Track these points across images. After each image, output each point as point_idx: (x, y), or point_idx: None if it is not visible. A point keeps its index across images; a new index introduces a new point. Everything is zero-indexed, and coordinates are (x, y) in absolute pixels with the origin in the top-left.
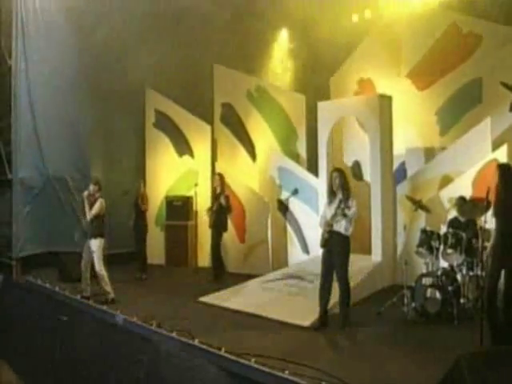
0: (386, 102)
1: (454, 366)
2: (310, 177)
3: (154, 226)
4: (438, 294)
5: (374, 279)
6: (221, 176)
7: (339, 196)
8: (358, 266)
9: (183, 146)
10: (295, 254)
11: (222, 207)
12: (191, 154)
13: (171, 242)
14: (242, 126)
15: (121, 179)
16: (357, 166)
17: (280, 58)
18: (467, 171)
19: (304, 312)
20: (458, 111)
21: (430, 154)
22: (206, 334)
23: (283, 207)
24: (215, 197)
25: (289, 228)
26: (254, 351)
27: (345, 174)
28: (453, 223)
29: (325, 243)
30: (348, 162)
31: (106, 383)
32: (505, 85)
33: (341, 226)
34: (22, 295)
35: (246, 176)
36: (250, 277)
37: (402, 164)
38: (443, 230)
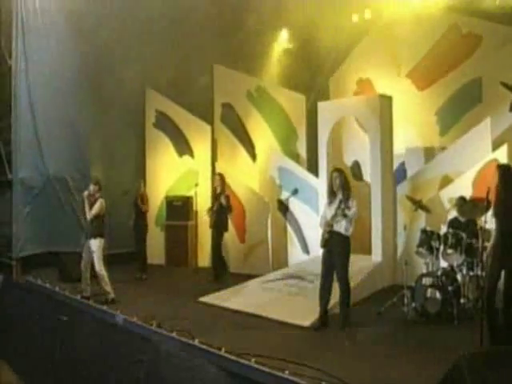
0: (386, 102)
1: (453, 366)
2: (310, 177)
3: (154, 226)
4: (438, 294)
5: (374, 279)
6: (221, 176)
7: (339, 196)
8: (358, 266)
9: (183, 146)
10: (295, 254)
11: (223, 207)
12: (191, 154)
13: (171, 242)
14: (242, 126)
15: (121, 179)
16: (356, 166)
17: (280, 58)
18: (467, 171)
19: (304, 312)
20: (458, 111)
21: (429, 153)
22: (206, 334)
23: (283, 207)
24: (215, 197)
25: (289, 228)
26: (254, 351)
27: (345, 174)
28: (453, 223)
29: (325, 243)
30: (347, 162)
31: (106, 383)
32: (505, 85)
33: (341, 227)
34: (22, 295)
35: (246, 176)
36: (250, 277)
37: (402, 164)
38: (443, 230)
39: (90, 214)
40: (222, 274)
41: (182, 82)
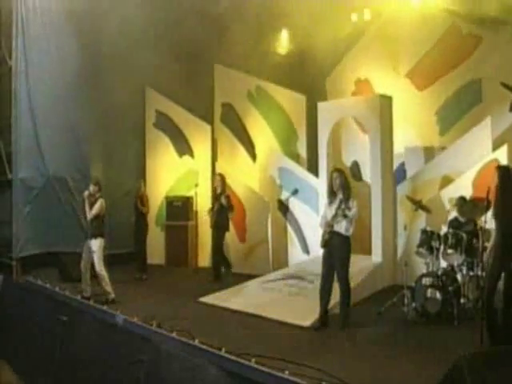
0: (386, 102)
1: (454, 366)
2: (310, 177)
3: (154, 226)
4: (438, 294)
5: (374, 279)
6: (221, 176)
7: (339, 196)
8: (359, 266)
9: (183, 146)
10: (295, 254)
11: (223, 207)
12: (191, 154)
13: (171, 242)
14: (242, 126)
15: (121, 179)
16: (356, 166)
17: (280, 58)
18: (467, 171)
19: (304, 312)
20: (458, 111)
21: (429, 152)
22: (206, 334)
23: (283, 207)
24: (216, 197)
25: (289, 228)
26: (254, 351)
27: (345, 175)
28: (453, 223)
29: (325, 244)
30: (346, 162)
31: (106, 383)
32: (505, 85)
33: (341, 227)
34: (22, 295)
35: (246, 176)
36: (250, 277)
37: (402, 164)
38: (443, 230)
39: (90, 214)
40: (227, 274)
41: (182, 82)
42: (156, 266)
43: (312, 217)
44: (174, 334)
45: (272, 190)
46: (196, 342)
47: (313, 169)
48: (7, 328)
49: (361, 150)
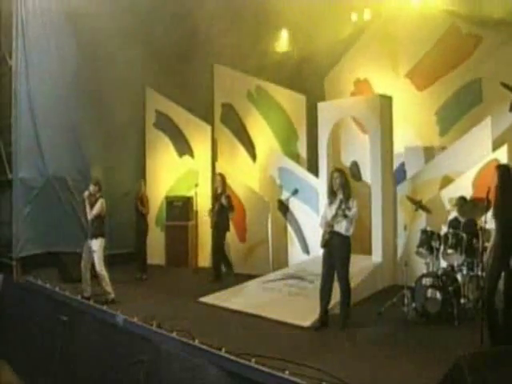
0: (386, 102)
1: (454, 366)
2: (310, 177)
3: (155, 226)
4: (438, 295)
5: (374, 279)
6: (222, 176)
7: (340, 196)
8: (359, 266)
9: (183, 146)
10: (295, 254)
11: (224, 207)
12: (191, 154)
13: (171, 242)
14: (242, 126)
15: (121, 179)
16: (355, 166)
17: (280, 58)
18: (467, 171)
19: (304, 312)
20: (458, 111)
21: (429, 152)
22: (206, 334)
23: (283, 207)
24: (216, 197)
25: (289, 228)
26: (254, 351)
27: (345, 174)
28: (453, 223)
29: (325, 244)
30: (346, 162)
31: (106, 383)
32: (505, 85)
33: (341, 227)
34: (22, 295)
35: (247, 176)
36: (250, 277)
37: (402, 164)
38: (443, 230)
39: (90, 214)
40: (228, 274)
41: (182, 82)
42: (156, 266)
43: (312, 217)
44: (174, 334)
45: (272, 190)
46: (196, 342)
47: (313, 169)
48: (7, 328)
49: (360, 151)
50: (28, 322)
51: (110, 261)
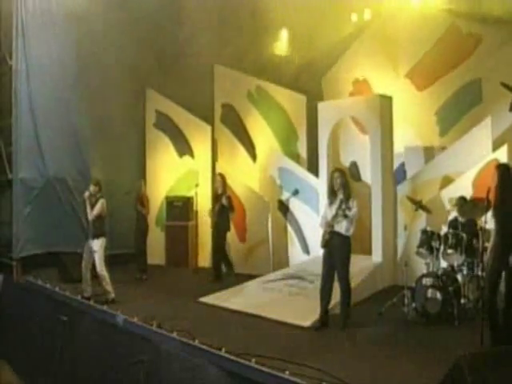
0: (386, 102)
1: (454, 366)
2: (310, 177)
3: (155, 227)
4: (438, 295)
5: (374, 279)
6: (222, 176)
7: (340, 196)
8: (359, 266)
9: (183, 147)
10: (296, 254)
11: (224, 207)
12: (191, 155)
13: (171, 242)
14: (242, 127)
15: (121, 180)
16: (354, 166)
17: (279, 58)
18: (468, 171)
19: (304, 312)
20: (458, 111)
21: (429, 152)
22: (206, 335)
23: (283, 207)
24: (216, 197)
25: (289, 228)
26: (254, 351)
27: (346, 175)
28: (453, 223)
29: (325, 244)
30: (345, 162)
31: (106, 383)
32: (505, 85)
33: (342, 227)
34: (22, 295)
35: (247, 176)
36: (250, 277)
37: (402, 165)
38: (444, 230)
39: (91, 214)
40: (229, 274)
41: (182, 82)
42: (156, 266)
43: (312, 217)
44: (174, 335)
45: (272, 190)
46: (196, 342)
47: (313, 169)
48: (7, 328)
49: (359, 151)
50: (28, 322)
51: (110, 261)
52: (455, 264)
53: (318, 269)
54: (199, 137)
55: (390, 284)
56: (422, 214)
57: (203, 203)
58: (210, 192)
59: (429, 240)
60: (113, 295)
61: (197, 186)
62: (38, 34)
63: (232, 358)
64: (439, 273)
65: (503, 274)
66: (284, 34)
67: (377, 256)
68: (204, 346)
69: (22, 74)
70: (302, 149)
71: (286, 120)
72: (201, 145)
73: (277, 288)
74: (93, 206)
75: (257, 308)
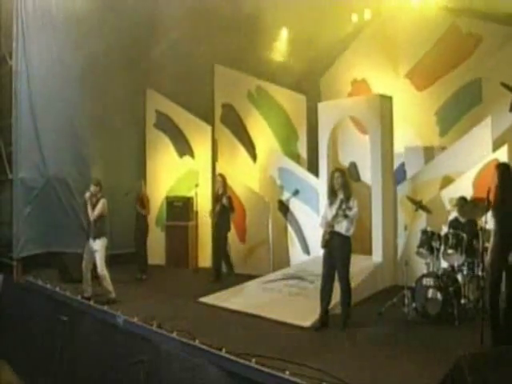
0: (386, 102)
1: (454, 366)
2: (310, 177)
3: (155, 227)
4: (438, 295)
5: (374, 280)
6: (223, 177)
7: (340, 196)
8: (359, 266)
9: (184, 147)
10: (296, 254)
11: (225, 208)
12: (192, 155)
13: (171, 242)
14: (242, 127)
15: (121, 180)
16: (353, 167)
17: (280, 59)
18: (468, 171)
19: (304, 312)
20: (458, 112)
21: (429, 152)
22: (206, 335)
23: (284, 208)
24: (217, 198)
25: (289, 228)
26: (254, 351)
27: (346, 174)
28: (453, 224)
29: (326, 244)
30: (344, 162)
31: (106, 383)
32: (505, 85)
33: (342, 227)
34: (22, 295)
35: (247, 176)
36: (250, 277)
37: (402, 164)
38: (444, 230)
39: (92, 214)
40: (229, 275)
41: (182, 82)
42: (156, 266)
43: (312, 217)
44: (174, 335)
45: (272, 190)
46: (196, 343)
47: (313, 169)
48: (7, 328)
49: (358, 151)
50: (28, 322)
51: (110, 261)
52: (455, 264)
53: (318, 269)
54: (199, 137)
55: (391, 284)
56: (422, 214)
57: (203, 203)
58: (210, 192)
59: (429, 240)
60: (113, 295)
61: (197, 186)
62: (38, 35)
63: (232, 358)
64: (439, 273)
65: (504, 274)
66: (283, 34)
67: (377, 256)
68: (204, 346)
69: (23, 75)
70: (302, 149)
71: (286, 120)
72: (201, 145)
73: (277, 288)
74: (94, 207)
75: (257, 308)
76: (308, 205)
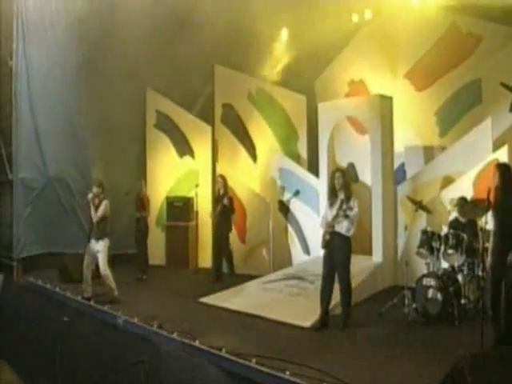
0: (386, 102)
1: (454, 366)
2: (310, 177)
3: (155, 227)
4: (438, 295)
5: (374, 280)
6: (223, 178)
7: (341, 197)
8: (359, 266)
9: (184, 147)
10: (296, 254)
11: (226, 208)
12: (192, 155)
13: (172, 242)
14: (242, 127)
15: (121, 180)
16: (352, 167)
17: (279, 59)
18: (468, 172)
19: (305, 312)
20: (458, 112)
21: (429, 152)
22: (207, 335)
23: (284, 208)
24: (218, 198)
25: (290, 229)
26: (254, 351)
27: (346, 174)
28: (454, 224)
29: (326, 244)
30: (341, 163)
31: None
32: (505, 85)
33: (342, 227)
34: (22, 296)
35: (247, 177)
36: (250, 277)
37: (402, 165)
38: (444, 230)
39: (95, 216)
40: (230, 275)
41: (183, 82)
42: (156, 266)
43: (312, 217)
44: (174, 335)
45: (273, 190)
46: (196, 343)
47: (313, 169)
48: (7, 328)
49: (356, 152)
50: (28, 322)
51: (111, 261)
52: (456, 264)
53: (319, 269)
54: (199, 137)
55: (391, 284)
56: (423, 215)
57: (203, 204)
58: (210, 192)
59: (429, 240)
60: (117, 293)
61: (197, 186)
62: (38, 36)
63: (232, 358)
64: (440, 273)
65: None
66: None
67: (377, 256)
68: (204, 347)
69: (23, 76)
70: (303, 149)
71: (287, 120)
72: (201, 145)
73: (277, 288)
74: (97, 208)
75: (257, 308)
76: (308, 205)
